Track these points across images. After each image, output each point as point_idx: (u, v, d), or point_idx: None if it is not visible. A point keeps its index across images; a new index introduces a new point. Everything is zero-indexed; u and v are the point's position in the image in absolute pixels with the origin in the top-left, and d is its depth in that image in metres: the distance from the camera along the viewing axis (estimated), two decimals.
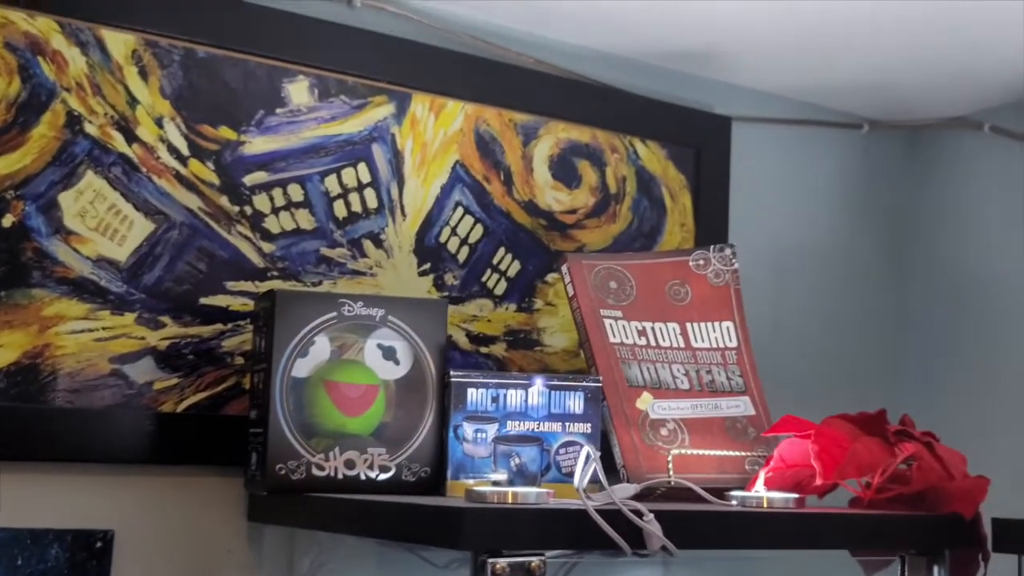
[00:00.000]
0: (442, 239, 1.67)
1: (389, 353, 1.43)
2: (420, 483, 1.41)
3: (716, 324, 1.59)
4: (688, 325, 1.58)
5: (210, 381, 1.49)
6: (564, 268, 1.57)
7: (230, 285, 1.51)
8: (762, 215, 1.97)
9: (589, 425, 1.44)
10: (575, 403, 1.44)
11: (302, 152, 1.57)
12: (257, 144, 1.54)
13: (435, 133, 1.68)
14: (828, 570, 1.50)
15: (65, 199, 1.42)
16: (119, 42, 1.46)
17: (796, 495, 1.37)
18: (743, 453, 1.52)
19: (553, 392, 1.43)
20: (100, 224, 1.44)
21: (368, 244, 1.61)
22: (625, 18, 1.72)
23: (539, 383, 1.43)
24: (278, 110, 1.56)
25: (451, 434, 1.40)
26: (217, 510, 1.49)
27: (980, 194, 2.05)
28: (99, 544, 1.40)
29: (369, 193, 1.62)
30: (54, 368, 1.40)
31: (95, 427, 1.41)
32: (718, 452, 1.50)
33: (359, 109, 1.62)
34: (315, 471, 1.38)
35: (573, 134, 1.79)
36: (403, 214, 1.64)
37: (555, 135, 1.77)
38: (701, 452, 1.49)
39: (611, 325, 1.54)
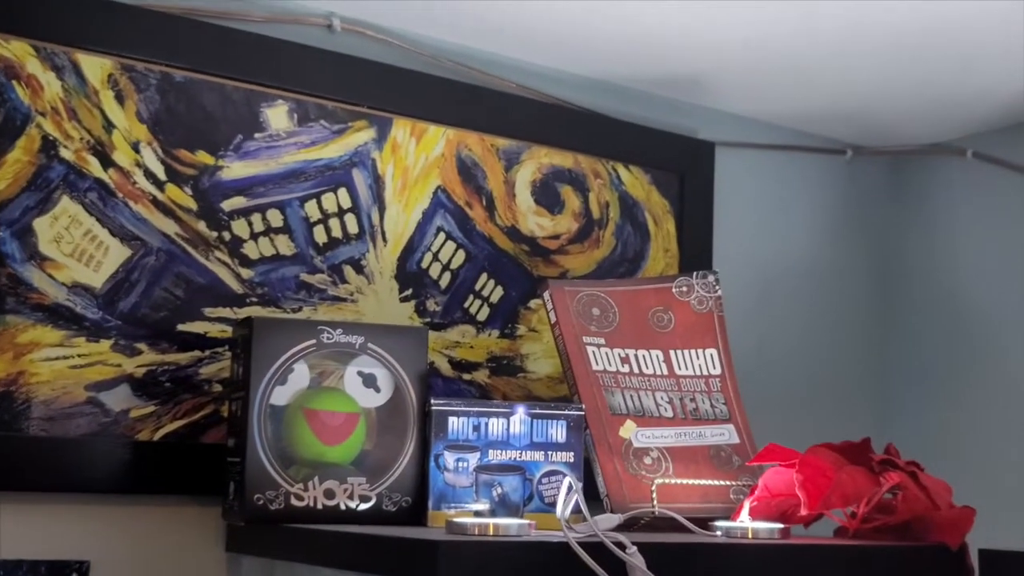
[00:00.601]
0: (424, 265, 1.66)
1: (369, 381, 1.41)
2: (401, 513, 1.39)
3: (700, 351, 1.58)
4: (672, 352, 1.56)
5: (187, 409, 1.47)
6: (546, 295, 1.56)
7: (208, 311, 1.49)
8: (746, 241, 1.96)
9: (572, 454, 1.42)
10: (558, 432, 1.42)
11: (281, 177, 1.56)
12: (235, 169, 1.53)
13: (416, 158, 1.66)
14: None
15: (40, 225, 1.40)
16: (95, 66, 1.44)
17: (781, 525, 1.35)
18: (728, 482, 1.50)
19: (535, 420, 1.41)
20: (76, 250, 1.42)
21: (349, 270, 1.60)
22: (608, 43, 1.71)
23: (521, 411, 1.41)
24: (256, 135, 1.54)
25: (432, 463, 1.38)
26: (194, 540, 1.47)
27: (963, 220, 2.05)
28: (75, 575, 1.37)
29: (350, 218, 1.60)
30: (28, 396, 1.38)
31: (70, 455, 1.39)
32: (702, 481, 1.48)
33: (339, 134, 1.60)
34: (294, 501, 1.36)
35: (556, 159, 1.78)
36: (384, 240, 1.63)
37: (537, 160, 1.76)
38: (685, 481, 1.47)
39: (594, 352, 1.52)
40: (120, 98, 1.46)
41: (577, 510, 1.27)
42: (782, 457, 1.39)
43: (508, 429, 1.41)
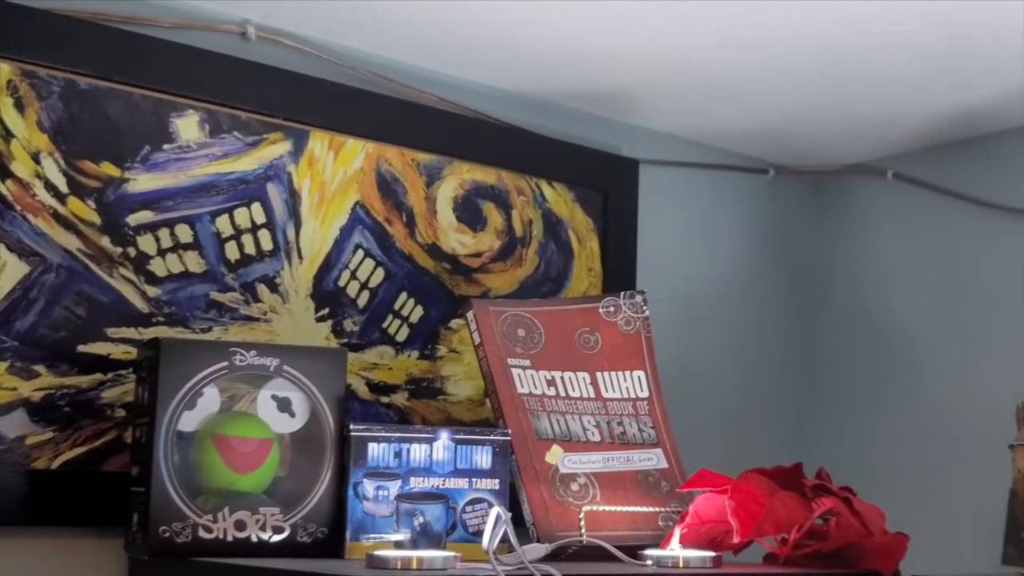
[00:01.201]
0: (341, 283, 1.59)
1: (284, 405, 1.34)
2: (316, 545, 1.32)
3: (627, 373, 1.54)
4: (599, 374, 1.52)
5: (88, 435, 1.39)
6: (470, 315, 1.50)
7: (111, 332, 1.41)
8: (669, 260, 1.94)
9: (497, 481, 1.37)
10: (482, 458, 1.36)
11: (191, 191, 1.48)
12: (142, 182, 1.45)
13: (334, 172, 1.60)
14: None
15: None
16: None
17: (713, 553, 1.32)
18: (656, 509, 1.46)
19: (459, 446, 1.36)
20: None
21: (262, 288, 1.53)
22: (533, 58, 1.67)
23: (444, 437, 1.36)
24: (165, 146, 1.47)
25: (350, 492, 1.32)
26: (95, 575, 1.38)
27: (884, 240, 2.05)
28: None
29: (263, 234, 1.54)
30: None
31: None
32: (631, 508, 1.44)
33: (253, 146, 1.54)
34: (202, 533, 1.28)
35: (478, 175, 1.73)
36: (300, 257, 1.56)
37: (459, 176, 1.71)
38: (613, 508, 1.43)
39: (519, 375, 1.47)
40: (20, 106, 1.37)
41: (504, 540, 1.22)
42: (713, 483, 1.36)
43: (431, 455, 1.35)
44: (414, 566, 1.13)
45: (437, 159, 1.69)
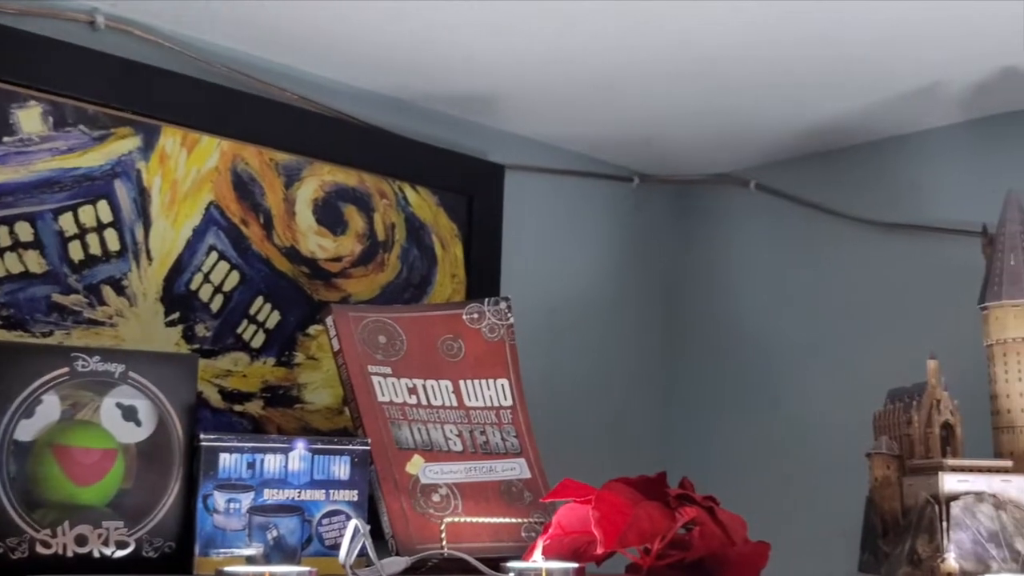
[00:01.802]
0: (193, 286, 1.52)
1: (130, 413, 1.27)
2: (163, 560, 1.25)
3: (491, 381, 1.50)
4: (461, 383, 1.49)
5: None
6: (329, 320, 1.45)
7: None
8: (535, 266, 1.91)
9: (356, 492, 1.32)
10: (341, 468, 1.31)
11: (32, 186, 1.40)
12: None
13: (187, 170, 1.53)
14: None
15: None
16: None
17: (576, 564, 1.29)
18: (519, 519, 1.43)
19: (316, 456, 1.30)
20: None
21: (108, 291, 1.45)
22: (396, 58, 1.63)
23: (301, 447, 1.30)
24: (5, 138, 1.38)
25: (200, 504, 1.25)
26: None
27: (746, 249, 2.07)
28: None
29: (110, 234, 1.46)
30: None
31: None
32: (493, 519, 1.41)
33: (100, 141, 1.46)
34: (40, 548, 1.20)
35: (339, 177, 1.68)
36: (149, 258, 1.49)
37: (320, 177, 1.66)
38: (475, 519, 1.40)
39: (380, 383, 1.43)
40: None
41: (362, 553, 1.17)
42: (577, 493, 1.33)
43: (286, 466, 1.29)
44: None
45: (296, 159, 1.64)
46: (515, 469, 1.47)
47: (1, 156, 1.38)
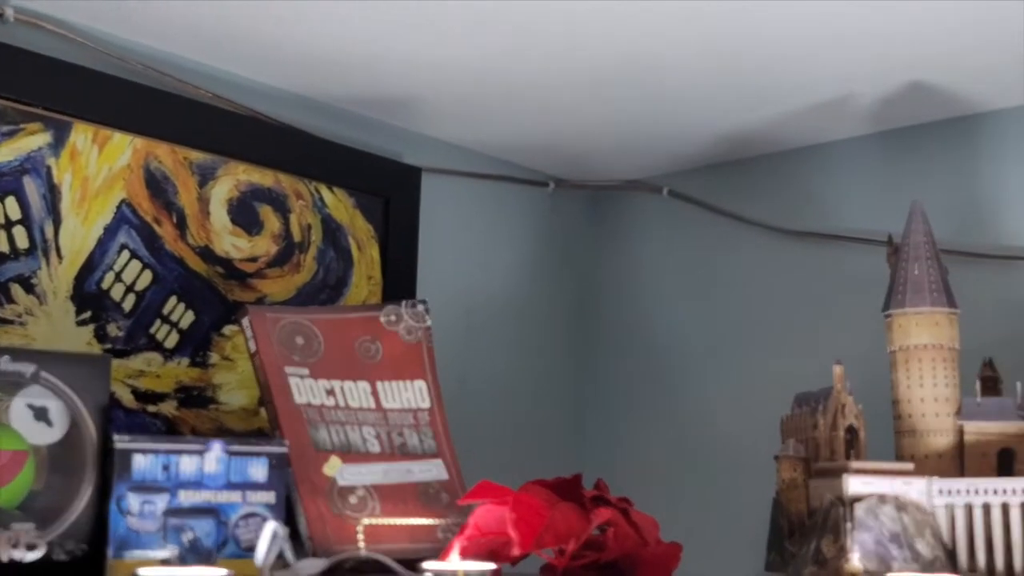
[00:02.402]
0: (105, 285, 1.50)
1: (41, 414, 1.25)
2: (75, 563, 1.23)
3: (408, 383, 1.50)
4: (379, 384, 1.48)
5: None
6: (245, 321, 1.44)
7: None
8: (451, 270, 1.92)
9: (273, 494, 1.31)
10: (258, 470, 1.30)
11: None
12: None
13: (99, 168, 1.51)
14: None
15: None
16: None
17: (493, 565, 1.29)
18: (436, 521, 1.43)
19: (233, 458, 1.29)
20: None
21: (17, 289, 1.42)
22: (314, 58, 1.62)
23: (217, 448, 1.29)
24: None
25: (114, 507, 1.23)
26: None
27: (658, 255, 2.10)
28: None
29: (19, 231, 1.43)
30: None
31: None
32: (410, 520, 1.41)
33: (9, 136, 1.43)
34: None
35: (255, 177, 1.66)
36: (59, 256, 1.46)
37: (235, 177, 1.64)
38: (393, 521, 1.39)
39: (297, 384, 1.42)
40: None
41: (280, 555, 1.16)
42: (494, 495, 1.34)
43: (202, 468, 1.28)
44: None
45: (211, 158, 1.62)
46: (432, 471, 1.47)
47: None
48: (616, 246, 2.15)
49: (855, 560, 1.35)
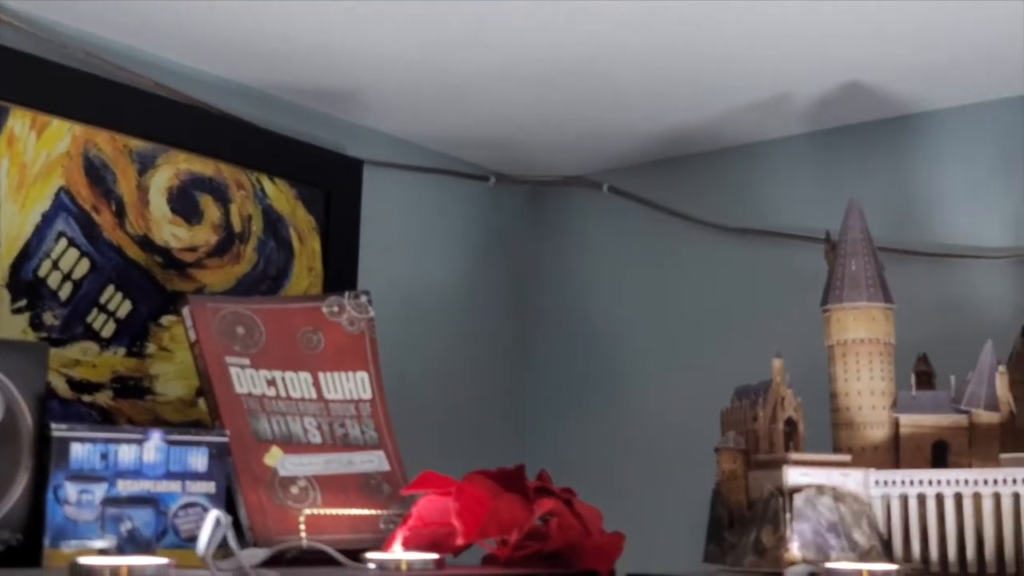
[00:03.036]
0: (41, 273, 1.47)
1: None
2: (11, 552, 1.20)
3: (350, 374, 1.50)
4: (321, 375, 1.47)
5: None
6: (186, 311, 1.42)
7: None
8: (392, 262, 1.91)
9: (213, 484, 1.29)
10: (197, 460, 1.29)
11: None
12: None
13: (36, 154, 1.48)
14: None
15: None
16: None
17: (436, 556, 1.30)
18: (378, 511, 1.43)
19: (172, 448, 1.28)
20: None
21: None
22: (256, 49, 1.61)
23: (156, 438, 1.27)
24: None
25: (51, 495, 1.21)
26: None
27: (598, 250, 2.11)
28: None
29: None
30: None
31: None
32: (352, 511, 1.40)
33: None
34: None
35: (195, 166, 1.65)
36: None
37: (175, 166, 1.62)
38: (334, 511, 1.39)
39: (238, 374, 1.41)
40: None
41: (222, 545, 1.15)
42: (437, 485, 1.34)
43: (141, 457, 1.26)
44: (124, 574, 1.05)
45: (151, 146, 1.60)
46: (374, 462, 1.46)
47: None
48: (556, 241, 2.16)
49: (794, 549, 1.36)
